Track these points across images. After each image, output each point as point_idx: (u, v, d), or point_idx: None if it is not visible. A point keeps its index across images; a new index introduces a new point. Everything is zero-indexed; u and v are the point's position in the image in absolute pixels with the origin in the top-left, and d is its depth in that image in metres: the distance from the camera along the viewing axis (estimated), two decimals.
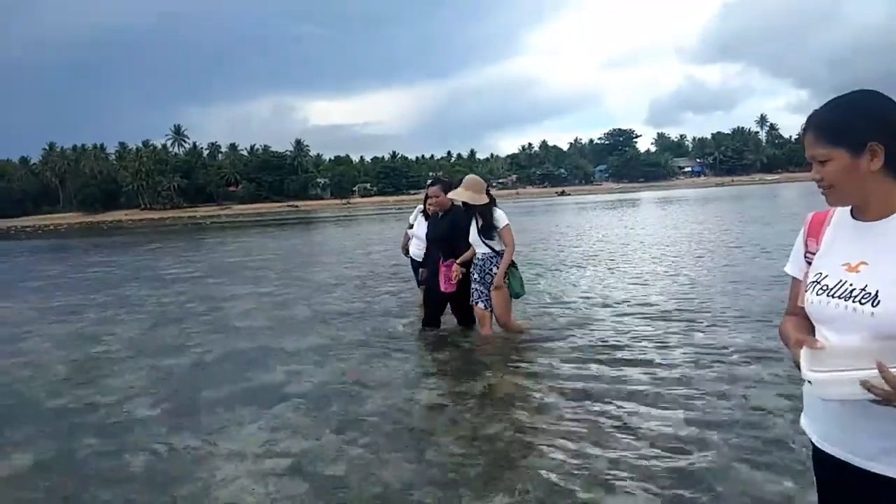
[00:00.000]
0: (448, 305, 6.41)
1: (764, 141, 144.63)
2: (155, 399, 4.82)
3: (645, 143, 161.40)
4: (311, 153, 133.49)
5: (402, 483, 3.21)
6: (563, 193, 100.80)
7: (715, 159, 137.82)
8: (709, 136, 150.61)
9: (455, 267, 5.89)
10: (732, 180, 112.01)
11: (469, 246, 5.94)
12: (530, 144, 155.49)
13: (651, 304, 7.35)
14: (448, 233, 6.07)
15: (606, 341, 5.75)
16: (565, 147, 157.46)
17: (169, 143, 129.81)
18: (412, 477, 3.28)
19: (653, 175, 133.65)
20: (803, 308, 1.60)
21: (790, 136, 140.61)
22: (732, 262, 10.76)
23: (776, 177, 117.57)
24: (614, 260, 12.09)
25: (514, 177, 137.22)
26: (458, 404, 4.38)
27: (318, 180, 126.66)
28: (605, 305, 7.48)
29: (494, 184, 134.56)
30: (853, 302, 1.41)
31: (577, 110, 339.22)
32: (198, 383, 5.20)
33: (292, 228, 36.29)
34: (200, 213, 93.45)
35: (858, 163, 1.42)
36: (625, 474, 3.15)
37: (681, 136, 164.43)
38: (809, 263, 1.60)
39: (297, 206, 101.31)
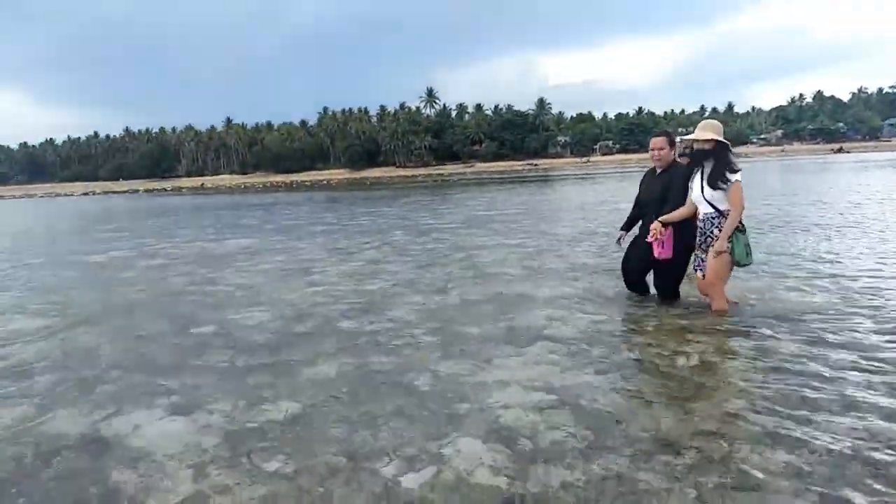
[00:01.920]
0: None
1: None
2: (428, 329, 5.36)
3: None
4: (552, 111, 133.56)
5: (667, 428, 3.22)
6: (840, 150, 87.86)
7: None
8: None
9: (655, 225, 5.27)
10: None
11: (679, 206, 5.33)
12: (801, 95, 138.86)
13: None
14: (664, 192, 5.51)
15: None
16: (846, 97, 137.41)
17: (422, 105, 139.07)
18: (675, 425, 3.27)
19: None
20: None
21: None
22: None
23: None
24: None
25: (779, 132, 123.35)
26: (730, 361, 4.22)
27: (559, 138, 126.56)
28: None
29: (755, 140, 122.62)
30: None
31: (860, 57, 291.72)
32: (464, 319, 5.65)
33: (532, 185, 36.85)
34: (447, 170, 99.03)
35: None
36: None
37: None
38: None
39: (535, 165, 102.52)
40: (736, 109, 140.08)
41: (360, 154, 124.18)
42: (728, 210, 4.96)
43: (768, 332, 4.75)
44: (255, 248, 11.88)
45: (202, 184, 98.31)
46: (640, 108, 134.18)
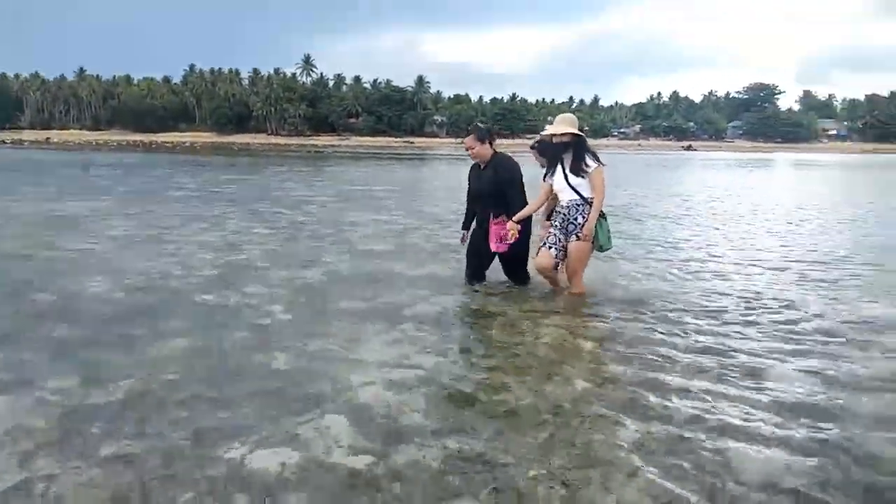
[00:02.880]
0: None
1: None
2: (292, 305, 5.18)
3: (787, 101, 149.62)
4: (431, 90, 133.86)
5: (523, 407, 3.31)
6: (689, 148, 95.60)
7: (865, 124, 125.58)
8: (862, 98, 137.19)
9: (510, 225, 5.27)
10: (877, 148, 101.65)
11: (524, 202, 5.45)
12: (659, 94, 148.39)
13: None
14: (493, 186, 5.49)
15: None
16: (698, 99, 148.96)
17: (298, 71, 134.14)
18: (536, 401, 3.37)
19: (792, 136, 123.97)
20: None
21: None
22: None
23: None
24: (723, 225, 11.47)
25: (637, 127, 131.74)
26: (583, 342, 4.41)
27: (436, 118, 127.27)
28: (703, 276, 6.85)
29: (615, 133, 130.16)
30: None
31: (716, 63, 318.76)
32: (329, 296, 5.52)
33: (408, 163, 36.90)
34: (322, 142, 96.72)
35: None
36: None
37: (829, 95, 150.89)
38: None
39: (412, 143, 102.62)
40: (601, 103, 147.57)
41: (229, 117, 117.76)
42: (591, 198, 5.18)
43: (619, 314, 5.01)
44: (105, 212, 10.95)
45: (48, 138, 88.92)
46: (514, 95, 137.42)
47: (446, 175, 25.59)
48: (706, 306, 5.31)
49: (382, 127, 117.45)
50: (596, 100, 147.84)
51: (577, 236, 5.20)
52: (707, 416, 3.22)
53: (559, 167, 5.28)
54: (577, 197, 5.22)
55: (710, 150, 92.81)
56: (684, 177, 27.22)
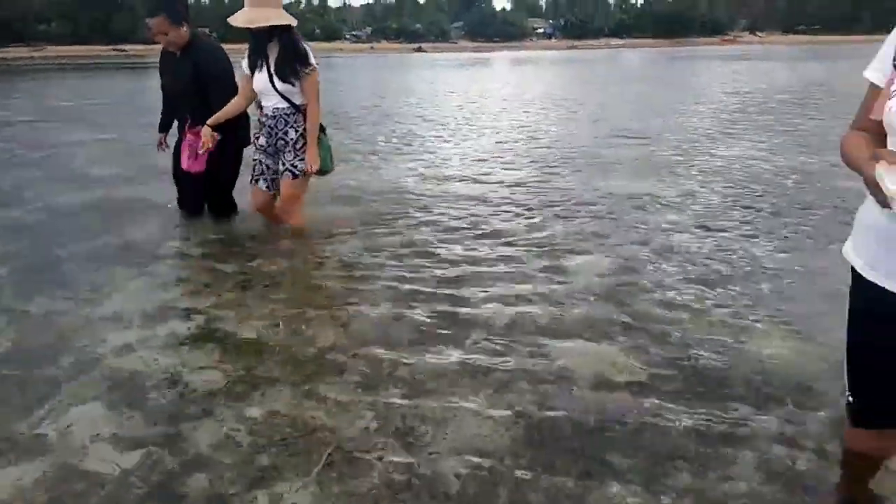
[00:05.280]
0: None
1: (613, 5, 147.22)
2: (3, 256, 4.03)
3: (501, 2, 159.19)
4: None
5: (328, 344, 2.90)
6: (419, 50, 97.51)
7: (567, 22, 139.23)
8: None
9: (205, 132, 4.17)
10: (573, 45, 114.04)
11: (227, 99, 4.25)
12: None
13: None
14: (192, 82, 4.31)
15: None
16: (422, 0, 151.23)
17: None
18: (337, 339, 2.97)
19: (508, 34, 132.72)
20: (875, 122, 1.41)
21: (635, 2, 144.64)
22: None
23: (621, 42, 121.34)
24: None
25: (368, 29, 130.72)
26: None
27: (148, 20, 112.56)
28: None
29: (348, 36, 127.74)
30: None
31: None
32: (55, 238, 4.40)
33: (125, 74, 32.22)
34: (10, 55, 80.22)
35: None
36: None
37: None
38: None
39: (124, 50, 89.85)
40: (330, 3, 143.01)
41: None
42: (304, 104, 4.12)
43: (342, 244, 4.27)
44: None
45: None
46: None
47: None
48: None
49: (85, 33, 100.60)
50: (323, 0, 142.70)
51: (293, 172, 4.17)
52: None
53: (263, 63, 4.07)
54: (285, 104, 4.11)
55: (439, 51, 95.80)
56: (429, 76, 27.63)
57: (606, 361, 2.67)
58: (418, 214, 4.93)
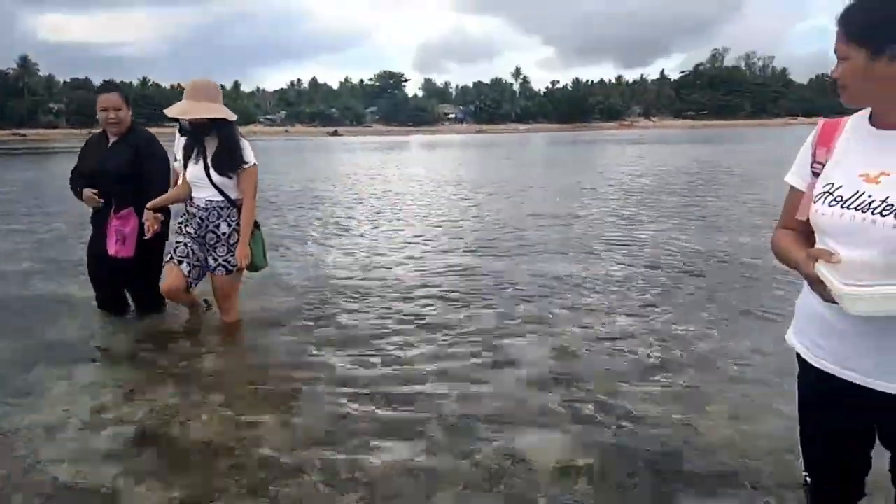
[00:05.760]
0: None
1: (518, 93, 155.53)
2: None
3: (413, 88, 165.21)
4: (40, 73, 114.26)
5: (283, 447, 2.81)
6: (335, 133, 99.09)
7: (476, 107, 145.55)
8: (471, 85, 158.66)
9: (147, 214, 4.02)
10: (482, 129, 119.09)
11: (165, 186, 4.26)
12: (300, 80, 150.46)
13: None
14: (129, 166, 4.23)
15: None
16: (336, 86, 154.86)
17: None
18: (285, 441, 2.88)
19: (420, 119, 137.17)
20: (800, 222, 1.57)
21: (539, 90, 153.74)
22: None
23: (527, 126, 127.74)
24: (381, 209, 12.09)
25: (283, 113, 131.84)
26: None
27: (52, 105, 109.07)
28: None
29: (262, 119, 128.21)
30: (872, 214, 1.36)
31: (348, 48, 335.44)
32: None
33: (26, 159, 30.87)
34: None
35: (875, 66, 1.36)
36: None
37: (445, 83, 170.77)
38: (816, 175, 1.54)
39: (24, 135, 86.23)
40: (243, 88, 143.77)
41: None
42: (240, 199, 4.09)
43: (279, 338, 4.16)
44: None
45: None
46: (144, 79, 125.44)
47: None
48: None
49: None
50: (237, 84, 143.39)
51: (227, 268, 4.11)
52: None
53: (199, 155, 4.05)
54: (220, 198, 4.05)
55: (354, 134, 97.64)
56: (350, 159, 27.94)
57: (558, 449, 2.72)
58: (354, 305, 4.90)
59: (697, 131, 64.73)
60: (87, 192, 4.24)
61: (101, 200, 4.26)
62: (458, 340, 4.07)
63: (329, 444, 2.77)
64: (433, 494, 2.40)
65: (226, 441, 2.81)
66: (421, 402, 3.19)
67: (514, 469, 2.55)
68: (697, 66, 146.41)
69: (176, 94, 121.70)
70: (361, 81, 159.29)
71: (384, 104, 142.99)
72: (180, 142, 4.26)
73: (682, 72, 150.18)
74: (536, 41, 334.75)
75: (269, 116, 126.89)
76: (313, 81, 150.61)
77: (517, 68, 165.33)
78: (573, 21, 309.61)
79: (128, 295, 4.64)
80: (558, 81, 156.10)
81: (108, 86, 4.43)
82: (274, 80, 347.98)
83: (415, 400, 3.21)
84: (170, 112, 3.96)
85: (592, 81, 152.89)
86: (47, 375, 3.54)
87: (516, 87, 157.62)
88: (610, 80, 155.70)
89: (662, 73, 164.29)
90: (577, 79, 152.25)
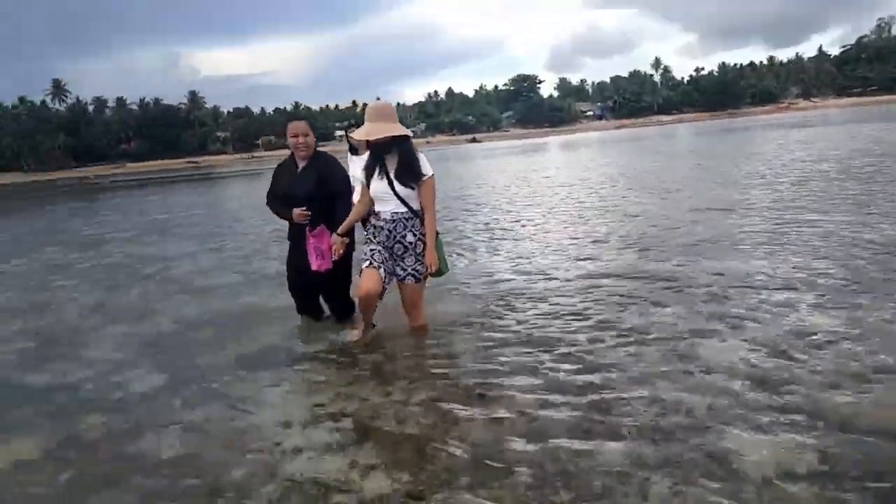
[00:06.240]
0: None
1: (659, 84, 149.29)
2: (148, 369, 4.27)
3: (548, 89, 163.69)
4: (207, 105, 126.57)
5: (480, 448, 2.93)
6: (474, 140, 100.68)
7: (615, 103, 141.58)
8: (608, 80, 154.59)
9: (334, 238, 4.43)
10: (628, 123, 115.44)
11: (349, 207, 4.59)
12: (436, 92, 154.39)
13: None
14: (316, 188, 4.61)
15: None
16: (471, 94, 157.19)
17: (48, 98, 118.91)
18: (487, 435, 3.00)
19: (557, 120, 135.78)
20: None
21: (682, 78, 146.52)
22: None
23: (671, 118, 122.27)
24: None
25: (422, 125, 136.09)
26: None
27: (218, 134, 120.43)
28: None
29: None
30: None
31: (480, 57, 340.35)
32: (190, 349, 4.66)
33: (198, 184, 34.32)
34: (94, 172, 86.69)
35: None
36: None
37: (581, 80, 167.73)
38: None
39: (196, 163, 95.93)
40: None
41: None
42: (421, 210, 4.31)
43: (466, 338, 4.45)
44: None
45: None
46: (296, 104, 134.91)
47: (237, 192, 24.08)
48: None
49: (160, 149, 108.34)
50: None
51: (416, 276, 4.33)
52: None
53: (381, 171, 4.29)
54: (404, 209, 4.28)
55: (492, 139, 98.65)
56: (494, 165, 28.36)
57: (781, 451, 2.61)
58: (528, 306, 4.98)
59: (865, 109, 58.47)
60: (297, 211, 4.65)
61: (309, 214, 4.62)
62: (644, 340, 4.02)
63: (531, 438, 2.86)
64: (647, 490, 2.41)
65: (436, 435, 2.98)
66: (618, 404, 3.18)
67: (723, 473, 2.49)
68: (861, 38, 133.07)
69: (325, 114, 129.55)
70: (496, 87, 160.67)
71: (520, 107, 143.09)
72: (355, 160, 4.58)
73: (843, 46, 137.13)
74: (675, 28, 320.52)
75: (411, 129, 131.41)
76: (449, 91, 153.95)
77: (656, 58, 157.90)
78: (715, 3, 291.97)
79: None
80: (703, 68, 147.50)
81: (297, 115, 4.88)
82: (412, 94, 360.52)
83: (611, 403, 3.20)
84: (356, 136, 4.31)
85: (741, 65, 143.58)
86: (267, 378, 3.94)
87: (657, 77, 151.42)
88: (761, 62, 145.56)
89: (820, 48, 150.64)
90: (723, 63, 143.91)
